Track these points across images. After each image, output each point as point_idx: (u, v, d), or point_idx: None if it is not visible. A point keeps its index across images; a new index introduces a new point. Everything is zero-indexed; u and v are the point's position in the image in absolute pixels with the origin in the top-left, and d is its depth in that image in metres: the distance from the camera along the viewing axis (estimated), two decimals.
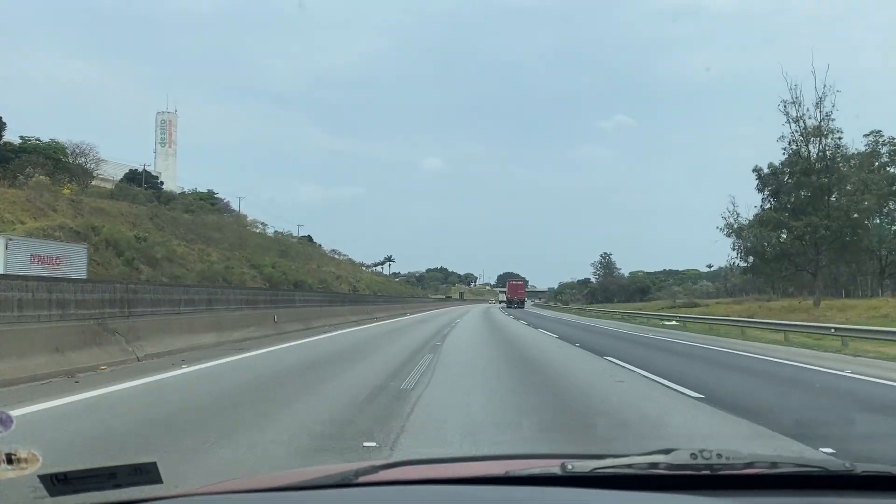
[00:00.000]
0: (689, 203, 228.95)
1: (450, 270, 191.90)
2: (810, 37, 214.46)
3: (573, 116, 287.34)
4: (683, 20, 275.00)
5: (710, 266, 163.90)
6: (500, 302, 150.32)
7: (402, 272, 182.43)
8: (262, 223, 51.49)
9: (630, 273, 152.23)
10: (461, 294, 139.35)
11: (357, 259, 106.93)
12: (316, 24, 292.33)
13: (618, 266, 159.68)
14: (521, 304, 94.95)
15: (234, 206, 62.01)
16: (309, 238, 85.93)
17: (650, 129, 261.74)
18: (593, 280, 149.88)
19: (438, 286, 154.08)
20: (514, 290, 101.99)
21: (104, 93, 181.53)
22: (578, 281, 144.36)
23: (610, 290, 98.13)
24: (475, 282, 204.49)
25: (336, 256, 76.89)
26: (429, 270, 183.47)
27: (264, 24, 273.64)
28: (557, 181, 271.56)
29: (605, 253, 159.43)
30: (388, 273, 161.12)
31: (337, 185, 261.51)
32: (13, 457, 1.16)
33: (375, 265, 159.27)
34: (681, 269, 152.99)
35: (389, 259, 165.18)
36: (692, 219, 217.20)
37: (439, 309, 54.34)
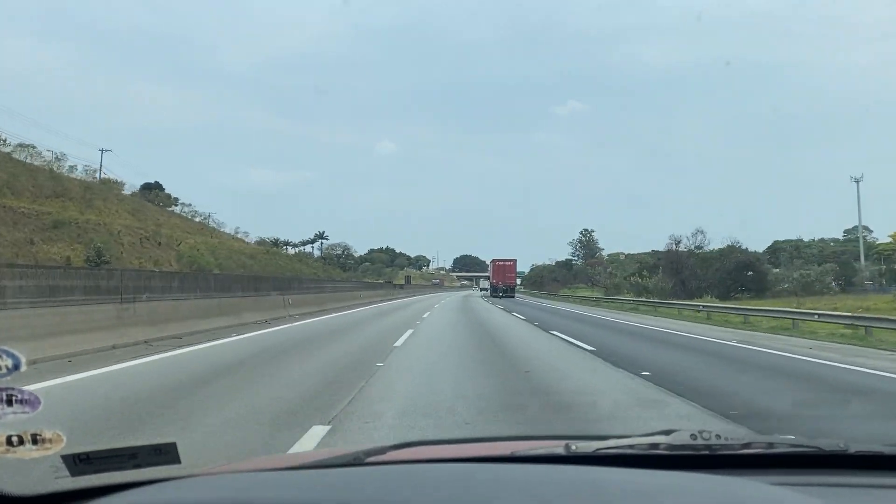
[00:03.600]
0: (646, 188, 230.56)
1: (397, 251, 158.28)
2: (752, 27, 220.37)
3: (527, 102, 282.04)
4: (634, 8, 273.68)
5: (699, 247, 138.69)
6: (482, 289, 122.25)
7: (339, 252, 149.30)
8: None
9: (609, 255, 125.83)
10: (407, 279, 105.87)
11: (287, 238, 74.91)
12: (265, 4, 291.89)
13: (599, 245, 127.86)
14: (509, 291, 70.62)
15: None
16: (155, 185, 48.75)
17: (604, 115, 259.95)
18: (576, 261, 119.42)
19: (382, 269, 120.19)
20: (500, 274, 74.77)
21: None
22: (557, 262, 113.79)
23: (687, 266, 53.92)
24: (428, 265, 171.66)
25: (183, 214, 41.08)
26: (372, 251, 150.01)
27: (212, 5, 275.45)
28: (516, 166, 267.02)
29: (585, 230, 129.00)
30: (318, 253, 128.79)
31: (288, 169, 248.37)
32: (38, 437, 1.19)
33: (304, 243, 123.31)
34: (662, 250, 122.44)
35: (321, 236, 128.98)
36: (653, 203, 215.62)
37: (334, 313, 24.44)
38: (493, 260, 77.69)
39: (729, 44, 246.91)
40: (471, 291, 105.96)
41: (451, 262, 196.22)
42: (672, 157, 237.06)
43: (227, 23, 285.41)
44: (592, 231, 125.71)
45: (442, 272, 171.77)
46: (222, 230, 47.26)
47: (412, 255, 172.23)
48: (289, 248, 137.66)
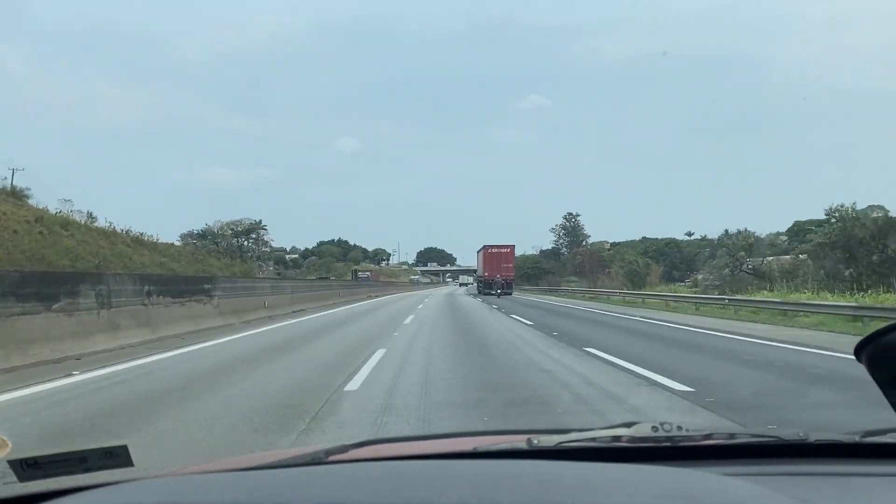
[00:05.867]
0: (613, 180, 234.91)
1: (352, 244, 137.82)
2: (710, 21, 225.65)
3: (490, 96, 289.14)
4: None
5: (689, 234, 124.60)
6: (462, 284, 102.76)
7: (287, 246, 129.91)
8: None
9: (593, 243, 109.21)
10: (354, 273, 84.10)
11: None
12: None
13: (586, 231, 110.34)
14: (505, 287, 51.72)
15: None
16: None
17: (567, 109, 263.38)
18: (565, 251, 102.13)
19: (332, 264, 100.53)
20: (494, 264, 55.40)
21: None
22: (542, 251, 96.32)
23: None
24: (388, 259, 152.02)
25: None
26: (321, 243, 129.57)
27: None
28: (479, 161, 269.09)
29: (570, 213, 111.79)
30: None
31: (246, 167, 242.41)
32: None
33: (235, 235, 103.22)
34: (659, 237, 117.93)
35: (259, 225, 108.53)
36: (616, 195, 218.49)
37: None
38: (485, 247, 59.87)
39: (690, 37, 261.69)
40: (453, 289, 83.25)
41: (415, 255, 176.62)
42: (637, 148, 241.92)
43: (181, 17, 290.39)
44: (578, 215, 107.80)
45: (404, 268, 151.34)
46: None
47: (370, 249, 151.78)
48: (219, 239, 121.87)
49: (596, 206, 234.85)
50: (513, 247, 59.43)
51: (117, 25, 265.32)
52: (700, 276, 59.28)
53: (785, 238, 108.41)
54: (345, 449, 1.52)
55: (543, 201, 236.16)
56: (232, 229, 64.74)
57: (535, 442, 1.43)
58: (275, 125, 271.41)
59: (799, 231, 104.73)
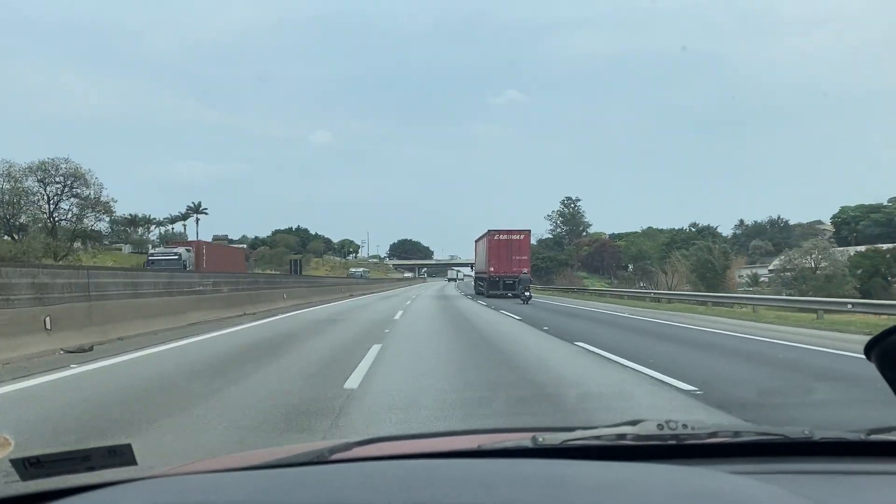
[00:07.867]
0: (596, 173, 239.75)
1: (312, 233, 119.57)
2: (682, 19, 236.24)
3: (465, 92, 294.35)
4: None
5: (694, 225, 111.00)
6: (450, 280, 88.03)
7: (233, 235, 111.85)
8: None
9: (592, 233, 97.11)
10: (295, 264, 63.62)
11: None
12: None
13: (586, 219, 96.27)
14: (517, 286, 34.68)
15: None
16: None
17: (545, 105, 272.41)
18: (566, 240, 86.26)
19: (285, 256, 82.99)
20: (502, 256, 39.17)
21: None
22: (540, 241, 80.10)
23: None
24: (357, 252, 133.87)
25: None
26: (277, 232, 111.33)
27: None
28: (457, 156, 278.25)
29: (568, 198, 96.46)
30: (195, 230, 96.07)
31: (219, 160, 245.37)
32: None
33: (172, 220, 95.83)
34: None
35: (197, 209, 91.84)
36: (606, 188, 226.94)
37: None
38: (490, 232, 43.16)
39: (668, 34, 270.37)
40: (441, 286, 66.79)
41: (388, 248, 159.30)
42: (621, 141, 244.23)
43: (151, 8, 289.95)
44: (578, 200, 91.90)
45: (374, 261, 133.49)
46: None
47: (335, 240, 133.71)
48: (151, 225, 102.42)
49: (585, 197, 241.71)
50: (528, 232, 44.18)
51: (86, 16, 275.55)
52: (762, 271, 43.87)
53: (829, 229, 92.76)
54: (349, 447, 1.53)
55: (527, 195, 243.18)
56: (39, 178, 41.20)
57: (540, 440, 1.44)
58: (248, 119, 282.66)
59: (847, 219, 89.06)
